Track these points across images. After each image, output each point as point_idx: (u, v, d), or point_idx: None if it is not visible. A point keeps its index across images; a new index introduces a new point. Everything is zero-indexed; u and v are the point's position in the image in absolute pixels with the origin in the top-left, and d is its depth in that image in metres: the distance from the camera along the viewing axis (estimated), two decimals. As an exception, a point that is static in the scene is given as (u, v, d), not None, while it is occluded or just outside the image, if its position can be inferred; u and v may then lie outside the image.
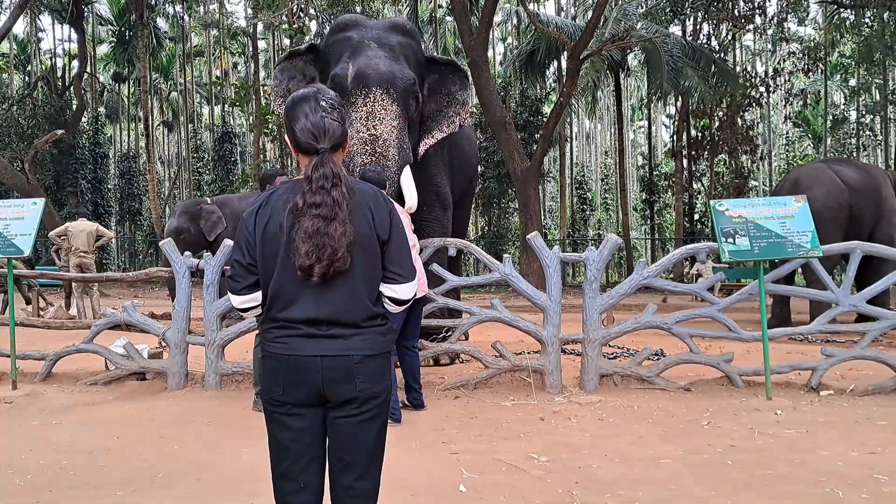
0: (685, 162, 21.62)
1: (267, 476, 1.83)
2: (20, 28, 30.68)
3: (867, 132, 25.95)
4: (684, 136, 21.53)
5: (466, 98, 5.77)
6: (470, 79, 6.66)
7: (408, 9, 23.44)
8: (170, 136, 40.40)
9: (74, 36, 26.40)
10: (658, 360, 5.36)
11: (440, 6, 26.36)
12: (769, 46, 30.86)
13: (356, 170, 4.78)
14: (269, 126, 23.80)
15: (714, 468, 3.32)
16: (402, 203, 5.01)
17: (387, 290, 1.80)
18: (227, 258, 5.40)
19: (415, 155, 5.49)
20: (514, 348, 5.90)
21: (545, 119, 17.92)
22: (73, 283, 9.66)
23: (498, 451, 3.65)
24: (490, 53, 26.99)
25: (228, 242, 5.44)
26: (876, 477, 3.13)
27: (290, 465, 1.75)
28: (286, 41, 24.26)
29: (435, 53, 5.97)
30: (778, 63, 26.00)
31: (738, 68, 23.46)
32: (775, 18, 20.39)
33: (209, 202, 10.82)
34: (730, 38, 20.60)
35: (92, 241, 9.79)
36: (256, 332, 3.16)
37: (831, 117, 28.30)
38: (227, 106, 34.28)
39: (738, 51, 26.66)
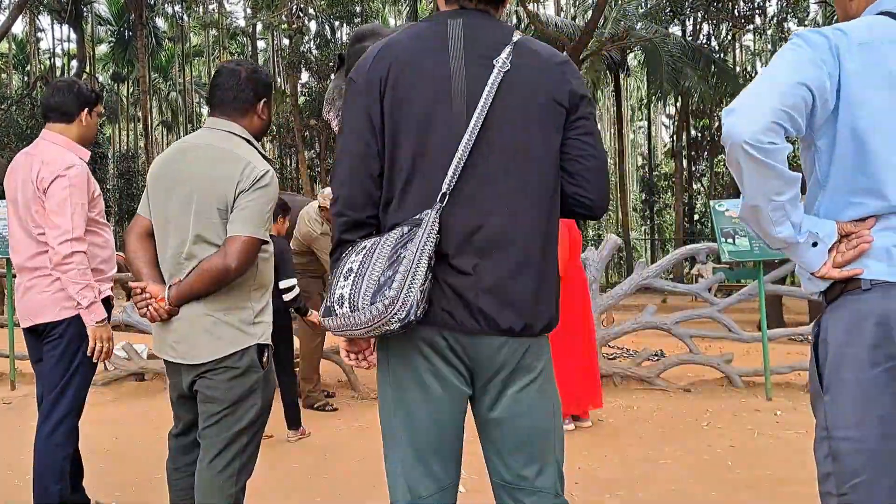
0: (685, 162, 21.63)
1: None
2: (19, 28, 30.68)
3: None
4: (684, 137, 21.54)
5: None
6: None
7: (408, 9, 23.43)
8: (169, 135, 40.37)
9: (73, 36, 26.45)
10: (658, 360, 5.36)
11: (440, 6, 26.34)
12: (769, 46, 30.83)
13: None
14: (269, 126, 23.71)
15: (714, 468, 3.32)
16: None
17: None
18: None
19: None
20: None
21: (545, 119, 17.90)
22: None
23: (497, 451, 3.64)
24: (489, 53, 26.89)
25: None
26: (876, 477, 3.13)
27: None
28: (285, 41, 24.25)
29: None
30: (778, 63, 25.95)
31: (738, 68, 23.44)
32: (775, 18, 20.38)
33: None
34: (730, 38, 20.61)
35: None
36: None
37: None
38: (226, 106, 34.21)
39: (737, 51, 26.64)
